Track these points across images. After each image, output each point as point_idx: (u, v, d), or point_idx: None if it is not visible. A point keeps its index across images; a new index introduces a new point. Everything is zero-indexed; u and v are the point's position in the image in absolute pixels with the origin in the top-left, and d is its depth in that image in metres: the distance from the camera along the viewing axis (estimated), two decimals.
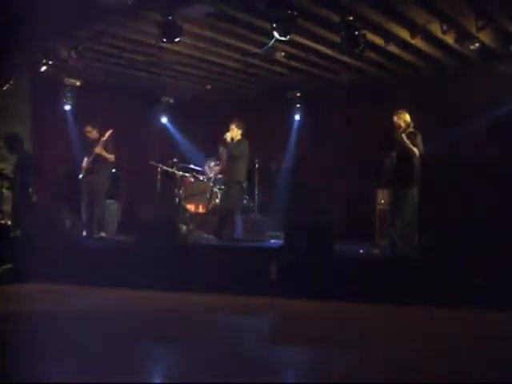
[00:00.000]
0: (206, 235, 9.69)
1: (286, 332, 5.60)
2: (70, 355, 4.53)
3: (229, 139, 9.20)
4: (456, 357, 4.63)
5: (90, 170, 9.66)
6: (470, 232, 7.43)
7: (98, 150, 9.52)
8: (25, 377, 3.90)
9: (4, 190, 9.47)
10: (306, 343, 5.09)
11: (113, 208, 11.00)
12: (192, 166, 10.65)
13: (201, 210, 10.30)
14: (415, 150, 7.68)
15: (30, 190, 9.74)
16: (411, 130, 7.78)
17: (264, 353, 4.76)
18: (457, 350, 4.85)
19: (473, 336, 5.40)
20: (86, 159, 9.73)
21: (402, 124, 7.81)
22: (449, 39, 8.61)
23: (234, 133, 9.27)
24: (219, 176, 10.30)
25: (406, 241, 7.70)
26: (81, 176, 9.70)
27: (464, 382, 4.01)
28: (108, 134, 9.54)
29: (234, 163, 9.23)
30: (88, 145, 9.77)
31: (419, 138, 7.76)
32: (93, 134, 9.73)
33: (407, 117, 7.86)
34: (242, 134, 9.32)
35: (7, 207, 9.43)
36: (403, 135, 7.69)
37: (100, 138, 9.60)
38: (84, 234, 9.54)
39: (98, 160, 9.61)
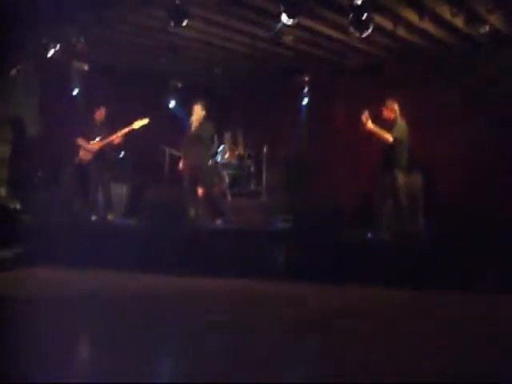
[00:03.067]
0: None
1: (295, 318, 5.61)
2: (79, 341, 4.57)
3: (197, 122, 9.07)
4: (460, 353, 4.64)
5: (99, 154, 9.63)
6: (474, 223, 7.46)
7: (121, 136, 9.54)
8: (32, 365, 3.92)
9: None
10: (316, 329, 5.10)
11: (121, 191, 11.04)
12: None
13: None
14: (387, 136, 7.96)
15: (39, 174, 9.79)
16: (395, 118, 8.12)
17: (274, 339, 4.77)
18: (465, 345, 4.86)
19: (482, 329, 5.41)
20: (86, 142, 9.66)
21: (391, 113, 8.15)
22: (458, 22, 8.54)
23: (198, 114, 9.13)
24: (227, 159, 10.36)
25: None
26: (87, 159, 9.64)
27: (464, 381, 4.02)
28: (142, 123, 9.53)
29: (201, 146, 9.17)
30: (90, 126, 9.74)
31: (400, 125, 8.07)
32: (102, 116, 9.71)
33: (395, 106, 8.17)
34: (205, 116, 9.18)
35: (16, 191, 9.47)
36: (370, 126, 7.97)
37: (103, 126, 9.62)
38: (93, 217, 9.58)
39: (108, 143, 9.64)
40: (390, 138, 7.96)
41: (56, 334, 4.65)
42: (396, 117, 8.16)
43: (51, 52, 9.22)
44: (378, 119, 8.15)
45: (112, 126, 9.73)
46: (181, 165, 9.45)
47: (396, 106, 8.18)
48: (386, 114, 8.18)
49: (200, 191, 9.61)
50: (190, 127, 9.24)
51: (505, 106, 9.22)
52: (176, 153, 10.78)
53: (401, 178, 8.05)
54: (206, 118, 9.18)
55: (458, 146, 9.69)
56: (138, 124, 9.53)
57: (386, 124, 8.13)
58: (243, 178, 10.88)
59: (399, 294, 6.48)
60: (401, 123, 8.13)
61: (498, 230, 6.90)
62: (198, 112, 9.13)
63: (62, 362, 3.92)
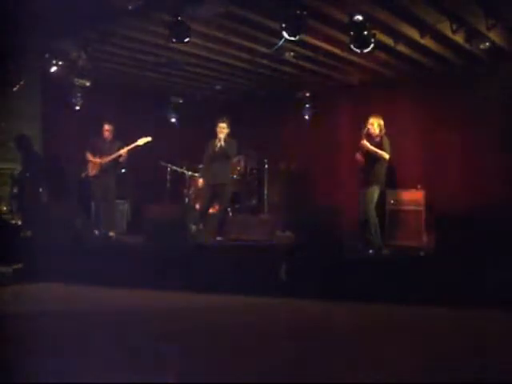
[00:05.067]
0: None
1: (297, 332, 5.59)
2: (79, 355, 4.54)
3: (223, 140, 9.09)
4: (459, 357, 4.61)
5: (104, 170, 9.66)
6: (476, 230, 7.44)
7: (125, 153, 9.57)
8: (31, 377, 3.90)
9: (15, 190, 9.51)
10: (317, 343, 5.08)
11: (122, 208, 11.04)
12: (201, 166, 10.65)
13: (210, 209, 10.30)
14: (383, 153, 8.09)
15: (41, 190, 9.80)
16: (381, 134, 8.19)
17: (275, 353, 4.75)
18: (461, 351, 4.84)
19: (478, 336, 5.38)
20: (94, 157, 9.68)
21: (377, 129, 8.20)
22: (459, 38, 8.59)
23: (224, 132, 9.09)
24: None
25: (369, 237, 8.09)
26: (92, 175, 9.67)
27: (464, 382, 3.99)
28: (146, 141, 9.62)
29: (227, 163, 9.27)
30: (100, 142, 9.78)
31: (387, 142, 8.15)
32: (109, 132, 9.73)
33: (381, 122, 8.24)
34: (229, 133, 9.20)
35: (18, 207, 9.46)
36: (366, 143, 8.12)
37: (113, 142, 9.66)
38: (95, 233, 9.57)
39: (113, 159, 9.66)
40: (386, 155, 8.07)
41: (54, 349, 4.63)
42: (382, 133, 8.21)
43: (53, 67, 9.26)
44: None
45: (118, 142, 9.76)
46: (201, 181, 9.49)
47: (382, 123, 8.23)
48: (372, 130, 8.22)
49: (216, 208, 9.62)
50: (214, 144, 9.16)
51: (505, 121, 9.24)
52: (179, 169, 10.81)
53: (376, 194, 8.15)
54: (230, 136, 9.16)
55: (459, 161, 9.71)
56: (142, 141, 9.60)
57: (372, 140, 8.19)
58: (245, 193, 10.88)
59: (400, 309, 6.45)
60: (386, 140, 8.19)
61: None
62: (223, 129, 9.08)
63: (60, 377, 3.90)
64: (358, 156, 8.25)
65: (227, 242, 9.12)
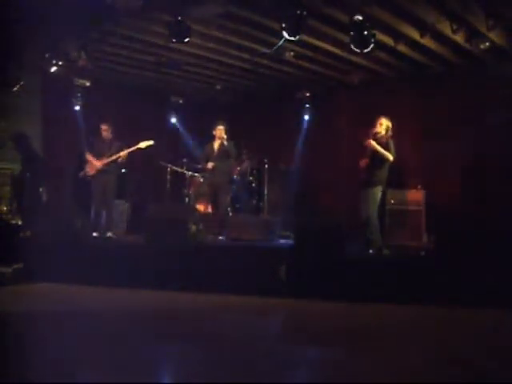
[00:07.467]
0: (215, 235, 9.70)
1: (297, 332, 5.59)
2: (79, 355, 4.54)
3: (225, 140, 9.47)
4: (458, 357, 4.62)
5: (104, 170, 9.65)
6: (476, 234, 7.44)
7: (124, 154, 9.55)
8: (31, 377, 3.90)
9: (15, 190, 9.50)
10: (317, 344, 5.08)
11: (122, 208, 11.03)
12: (201, 166, 10.66)
13: (210, 209, 10.31)
14: (389, 155, 8.06)
15: (41, 189, 9.79)
16: (387, 136, 8.16)
17: (275, 353, 4.75)
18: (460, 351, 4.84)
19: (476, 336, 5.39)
20: (94, 158, 9.67)
21: (383, 130, 8.18)
22: (459, 38, 8.58)
23: (222, 134, 9.51)
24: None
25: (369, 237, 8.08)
26: (91, 174, 9.65)
27: (464, 382, 4.00)
28: (148, 144, 9.67)
29: (229, 163, 9.66)
30: (100, 143, 9.78)
31: (392, 144, 8.13)
32: (108, 132, 9.74)
33: (390, 124, 8.22)
34: (228, 135, 9.60)
35: (18, 207, 9.45)
36: (373, 143, 8.10)
37: (113, 142, 9.67)
38: (94, 234, 9.57)
39: (113, 161, 9.65)
40: (390, 157, 8.04)
41: (54, 349, 4.63)
42: (388, 135, 8.19)
43: (53, 67, 9.27)
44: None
45: (117, 142, 9.76)
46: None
47: (390, 125, 8.21)
48: (379, 129, 8.19)
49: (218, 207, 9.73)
50: (212, 146, 9.65)
51: (505, 121, 9.24)
52: (179, 169, 10.79)
53: (379, 195, 8.16)
54: (228, 138, 9.52)
55: (459, 160, 9.71)
56: (144, 144, 9.63)
57: (378, 141, 8.15)
58: (245, 193, 10.88)
59: (400, 309, 6.46)
60: (391, 142, 8.16)
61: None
62: (221, 132, 9.50)
63: (59, 376, 3.91)
64: (362, 163, 8.21)
65: (227, 242, 9.12)
